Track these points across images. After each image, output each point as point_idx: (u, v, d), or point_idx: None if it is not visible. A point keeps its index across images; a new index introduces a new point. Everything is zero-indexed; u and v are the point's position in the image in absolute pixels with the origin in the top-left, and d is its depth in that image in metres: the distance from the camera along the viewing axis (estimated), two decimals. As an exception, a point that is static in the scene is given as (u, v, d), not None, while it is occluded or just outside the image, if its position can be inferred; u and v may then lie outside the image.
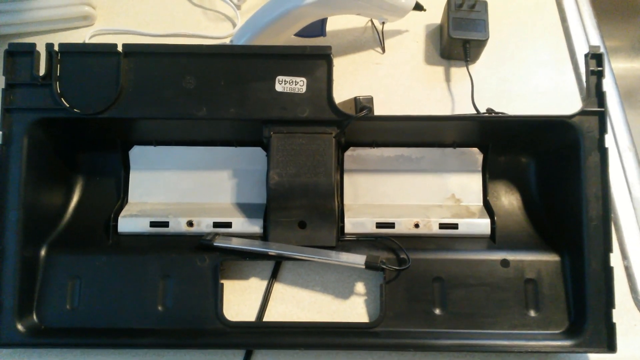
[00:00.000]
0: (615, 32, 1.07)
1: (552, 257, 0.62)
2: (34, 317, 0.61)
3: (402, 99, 0.76)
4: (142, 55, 0.62)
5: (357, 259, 0.60)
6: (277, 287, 0.65)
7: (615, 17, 1.05)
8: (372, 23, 0.82)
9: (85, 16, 0.81)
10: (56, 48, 0.61)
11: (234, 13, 0.84)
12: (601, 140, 0.60)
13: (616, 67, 1.05)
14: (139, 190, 0.68)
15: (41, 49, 0.61)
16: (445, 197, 0.68)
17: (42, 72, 0.61)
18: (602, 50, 0.61)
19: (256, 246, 0.62)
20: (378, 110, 0.70)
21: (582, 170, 0.60)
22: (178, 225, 0.65)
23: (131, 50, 0.61)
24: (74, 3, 0.80)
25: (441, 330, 0.60)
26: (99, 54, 0.62)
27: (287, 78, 0.62)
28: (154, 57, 0.62)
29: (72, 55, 0.61)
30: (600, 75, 0.61)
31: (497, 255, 0.62)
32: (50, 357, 0.61)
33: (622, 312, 0.63)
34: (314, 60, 0.62)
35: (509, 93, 0.77)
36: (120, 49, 0.61)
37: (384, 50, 0.80)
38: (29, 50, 0.61)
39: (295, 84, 0.61)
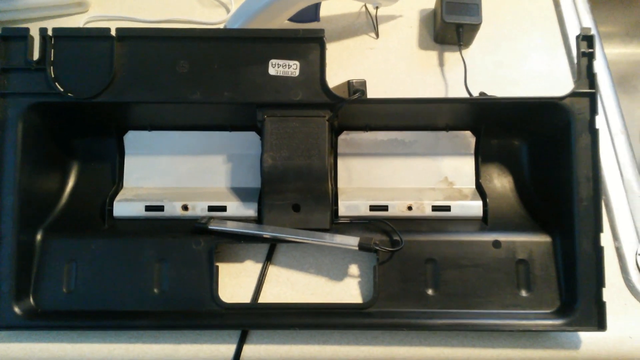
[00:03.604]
0: (609, 18, 1.07)
1: (543, 238, 0.63)
2: (31, 300, 0.61)
3: (396, 83, 0.77)
4: (135, 39, 0.62)
5: (351, 241, 0.61)
6: (272, 270, 0.65)
7: (609, 2, 1.05)
8: (366, 8, 0.82)
9: (79, 2, 0.81)
10: (50, 32, 0.61)
11: (227, -1, 0.84)
12: (592, 122, 0.60)
13: (610, 53, 1.05)
14: (134, 175, 0.68)
15: (35, 35, 0.61)
16: (438, 180, 0.68)
17: (36, 56, 0.61)
18: (593, 32, 0.61)
19: (251, 229, 0.63)
20: (371, 95, 0.70)
21: (573, 151, 0.60)
22: (173, 209, 0.66)
23: (125, 34, 0.62)
24: (67, -11, 0.80)
25: (434, 311, 0.61)
26: (92, 39, 0.62)
27: (281, 61, 0.62)
28: (148, 41, 0.62)
29: (66, 40, 0.62)
30: (591, 57, 0.61)
31: (489, 237, 0.63)
32: (47, 339, 0.61)
33: (613, 292, 0.64)
34: (307, 43, 0.62)
35: (502, 77, 0.77)
36: (113, 33, 0.62)
37: (377, 36, 0.81)
38: (23, 35, 0.61)
39: (289, 68, 0.62)
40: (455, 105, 0.66)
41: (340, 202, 0.66)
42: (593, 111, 0.60)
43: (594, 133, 0.60)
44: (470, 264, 0.62)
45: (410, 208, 0.66)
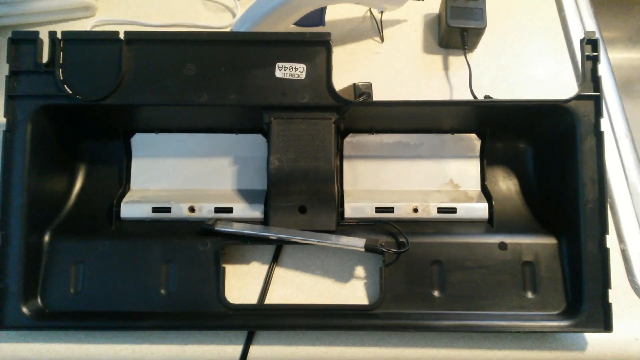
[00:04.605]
0: (613, 23, 1.08)
1: (549, 240, 0.63)
2: (39, 301, 0.61)
3: (401, 87, 0.77)
4: (143, 42, 0.62)
5: (357, 242, 0.61)
6: (278, 271, 0.66)
7: (612, 8, 1.06)
8: (371, 12, 0.83)
9: (86, 7, 0.82)
10: (59, 36, 0.62)
11: (233, 4, 0.85)
12: (597, 124, 0.61)
13: (613, 58, 1.06)
14: (141, 177, 0.69)
15: (44, 38, 0.62)
16: (443, 183, 0.69)
17: (45, 59, 0.62)
18: (597, 35, 0.62)
19: (257, 230, 0.63)
20: (377, 98, 0.71)
21: (578, 154, 0.61)
22: (180, 210, 0.66)
23: (133, 37, 0.62)
24: (75, -6, 0.81)
25: (440, 312, 0.61)
26: (101, 42, 0.62)
27: (287, 64, 0.62)
28: (155, 45, 0.63)
29: (74, 43, 0.62)
30: (595, 60, 0.61)
31: (495, 239, 0.63)
32: (54, 339, 0.62)
33: (619, 295, 0.64)
34: (314, 46, 0.62)
35: (506, 81, 0.78)
36: (122, 36, 0.62)
37: (382, 40, 0.81)
38: (33, 38, 0.61)
39: (295, 70, 0.62)
40: (460, 108, 0.66)
41: (346, 204, 0.66)
42: (598, 114, 0.61)
43: (599, 135, 0.60)
44: (476, 266, 0.62)
45: (416, 210, 0.66)
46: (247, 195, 0.67)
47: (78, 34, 0.63)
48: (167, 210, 0.66)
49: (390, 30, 0.82)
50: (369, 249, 0.61)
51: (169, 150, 0.69)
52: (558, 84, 0.78)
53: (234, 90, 0.62)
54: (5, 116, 0.61)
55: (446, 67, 0.79)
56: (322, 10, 0.75)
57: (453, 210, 0.66)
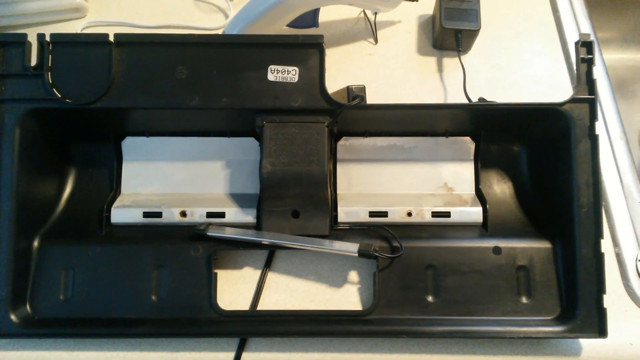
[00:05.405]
0: (607, 24, 1.07)
1: (543, 244, 0.63)
2: (28, 307, 0.61)
3: (395, 89, 0.77)
4: (133, 45, 0.62)
5: (350, 247, 0.61)
6: (271, 277, 0.65)
7: (606, 8, 1.06)
8: (365, 14, 0.82)
9: (76, 8, 0.81)
10: (47, 38, 0.61)
11: (226, 5, 0.84)
12: (592, 128, 0.60)
13: (608, 58, 1.05)
14: (132, 181, 0.68)
15: (33, 40, 0.61)
16: (437, 186, 0.68)
17: (33, 62, 0.61)
18: (592, 38, 0.61)
19: (250, 235, 0.62)
20: (370, 101, 0.70)
21: (573, 157, 0.60)
22: (171, 215, 0.65)
23: (123, 40, 0.61)
24: (65, -5, 0.80)
25: (434, 317, 0.60)
26: (90, 44, 0.62)
27: (280, 67, 0.62)
28: (146, 47, 0.62)
29: (63, 46, 0.61)
30: (590, 62, 0.61)
31: (489, 243, 0.63)
32: (44, 347, 0.61)
33: (614, 299, 0.64)
34: (306, 49, 0.62)
35: (501, 83, 0.77)
36: (112, 39, 0.61)
37: (376, 41, 0.81)
38: (20, 41, 0.61)
39: (288, 73, 0.62)
40: (454, 111, 0.66)
41: (339, 208, 0.65)
42: (593, 117, 0.60)
43: (593, 139, 0.60)
44: (470, 271, 0.62)
45: (410, 214, 0.65)
46: (240, 200, 0.67)
47: (67, 37, 0.62)
48: (158, 215, 0.65)
49: (384, 31, 0.81)
50: (362, 254, 0.60)
51: (160, 153, 0.68)
52: (553, 85, 0.77)
53: (226, 93, 0.61)
54: (-7, 120, 0.60)
55: (440, 69, 0.78)
56: (316, 12, 0.74)
57: (447, 215, 0.65)
